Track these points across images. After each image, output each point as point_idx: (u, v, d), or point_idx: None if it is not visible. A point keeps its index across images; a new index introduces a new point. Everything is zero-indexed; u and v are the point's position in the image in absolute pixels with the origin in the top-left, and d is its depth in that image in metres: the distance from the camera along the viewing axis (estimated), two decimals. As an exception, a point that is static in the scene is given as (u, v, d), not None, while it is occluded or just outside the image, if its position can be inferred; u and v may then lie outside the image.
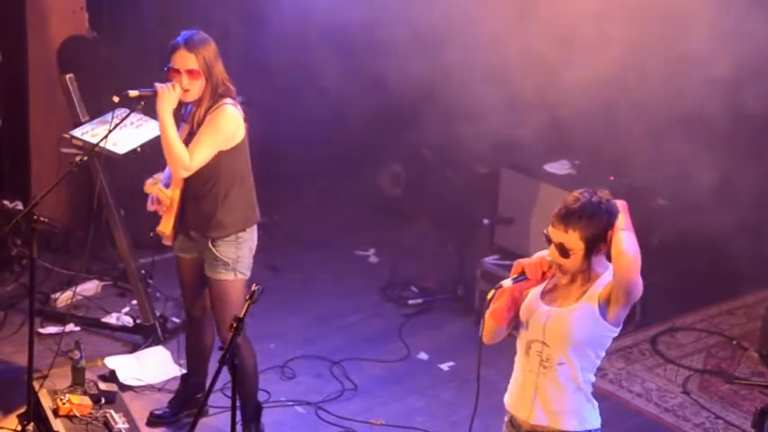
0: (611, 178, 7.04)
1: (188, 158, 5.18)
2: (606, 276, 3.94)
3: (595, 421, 4.06)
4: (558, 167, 7.30)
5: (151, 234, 5.52)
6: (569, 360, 3.95)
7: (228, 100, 5.26)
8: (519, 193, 7.30)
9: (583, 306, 3.93)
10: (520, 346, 4.09)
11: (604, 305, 3.91)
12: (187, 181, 5.29)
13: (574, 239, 3.88)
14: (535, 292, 4.07)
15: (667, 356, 6.67)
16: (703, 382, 6.42)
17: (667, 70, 6.72)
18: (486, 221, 7.40)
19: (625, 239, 3.84)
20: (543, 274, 3.97)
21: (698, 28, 6.41)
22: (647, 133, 6.92)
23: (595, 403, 4.06)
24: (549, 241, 3.95)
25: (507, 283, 3.97)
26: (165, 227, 5.34)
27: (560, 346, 3.95)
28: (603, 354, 4.03)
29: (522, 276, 3.96)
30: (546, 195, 7.04)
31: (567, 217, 3.90)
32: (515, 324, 4.10)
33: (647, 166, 6.91)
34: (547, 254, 3.99)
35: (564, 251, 3.90)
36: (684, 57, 6.56)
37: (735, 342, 6.84)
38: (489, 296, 3.98)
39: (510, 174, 7.41)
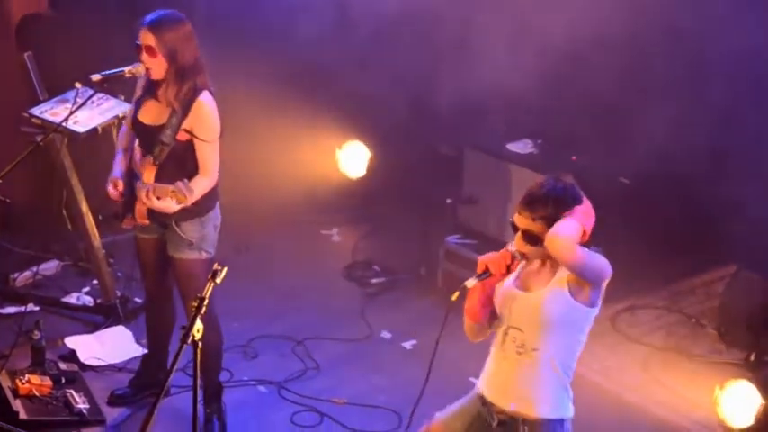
0: (573, 158, 7.07)
1: (212, 177, 5.20)
2: None
3: (568, 410, 4.08)
4: (521, 147, 7.32)
5: (123, 225, 5.46)
6: (544, 344, 3.97)
7: (205, 94, 5.21)
8: (482, 173, 7.31)
9: (553, 288, 3.95)
10: (497, 335, 4.10)
11: (575, 287, 3.93)
12: (162, 167, 5.23)
13: (540, 227, 3.89)
14: (508, 280, 4.08)
15: (628, 334, 6.72)
16: (663, 359, 6.47)
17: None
18: (449, 201, 7.41)
19: (559, 224, 3.84)
20: (508, 267, 3.97)
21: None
22: (606, 110, 6.96)
23: (571, 393, 4.07)
24: (516, 230, 3.95)
25: (471, 282, 3.97)
26: (143, 217, 5.28)
27: (534, 330, 3.97)
28: (583, 338, 4.04)
29: (486, 273, 3.97)
30: (509, 175, 7.05)
31: (533, 204, 3.91)
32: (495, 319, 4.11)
33: (609, 144, 6.93)
34: (510, 245, 3.99)
35: (531, 238, 3.91)
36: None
37: (693, 320, 6.90)
38: (454, 298, 3.97)
39: (473, 154, 7.42)
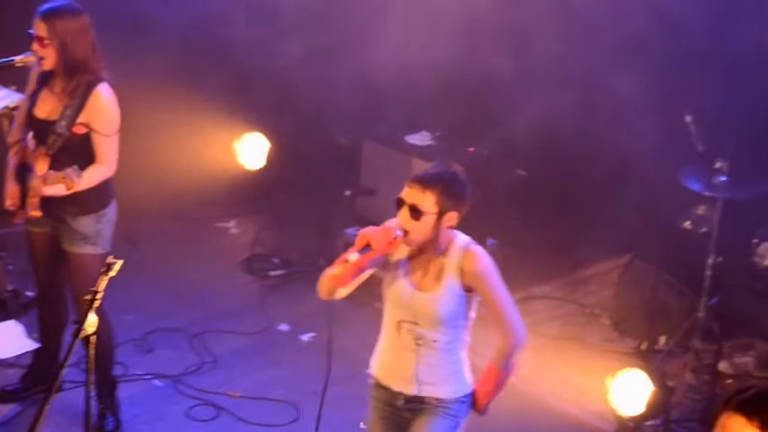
0: (471, 150, 7.13)
1: (109, 166, 5.15)
2: (460, 251, 3.99)
3: (468, 385, 4.16)
4: (419, 139, 7.36)
5: (15, 221, 5.34)
6: (444, 335, 4.04)
7: (103, 86, 5.13)
8: (381, 165, 7.33)
9: (447, 289, 4.00)
10: (389, 322, 4.13)
11: (468, 284, 4.01)
12: (55, 158, 5.13)
13: (429, 202, 3.93)
14: (398, 269, 4.09)
15: (525, 323, 6.78)
16: (558, 348, 6.56)
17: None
18: (347, 193, 7.41)
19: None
20: (389, 243, 3.99)
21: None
22: (504, 103, 7.03)
23: (468, 364, 4.14)
24: (401, 204, 3.97)
25: (354, 257, 3.97)
26: (34, 209, 5.18)
27: (432, 327, 4.03)
28: (474, 315, 4.12)
29: (367, 248, 3.98)
30: (407, 167, 7.08)
31: (426, 178, 3.95)
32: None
33: (507, 136, 7.00)
34: (391, 222, 4.00)
35: (416, 213, 3.94)
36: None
37: (588, 310, 7.02)
38: (337, 272, 3.96)
39: (371, 145, 7.44)
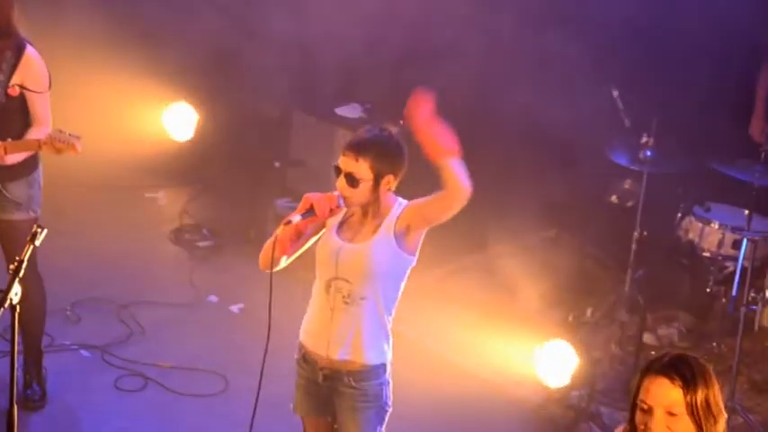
0: (401, 122, 7.12)
1: (47, 127, 5.10)
2: (397, 209, 4.02)
3: (389, 353, 4.16)
4: (349, 111, 7.36)
5: None
6: (372, 294, 4.04)
7: (30, 47, 5.10)
8: (310, 136, 7.31)
9: (379, 239, 4.01)
10: (319, 283, 4.13)
11: (401, 235, 4.00)
12: None
13: (363, 169, 3.95)
14: (330, 230, 4.11)
15: (451, 295, 6.84)
16: (486, 320, 6.60)
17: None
18: (277, 164, 7.39)
19: (454, 168, 3.86)
20: (331, 210, 4.01)
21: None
22: (436, 75, 7.03)
23: (391, 337, 4.15)
24: (339, 172, 3.99)
25: (296, 219, 3.99)
26: None
27: (361, 281, 4.02)
28: (403, 284, 4.13)
29: (310, 212, 3.99)
30: (337, 139, 7.08)
31: (358, 146, 3.96)
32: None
33: (438, 107, 7.01)
34: (335, 191, 4.03)
35: (353, 180, 3.96)
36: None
37: (516, 282, 7.05)
38: (278, 231, 3.98)
39: (301, 117, 7.42)
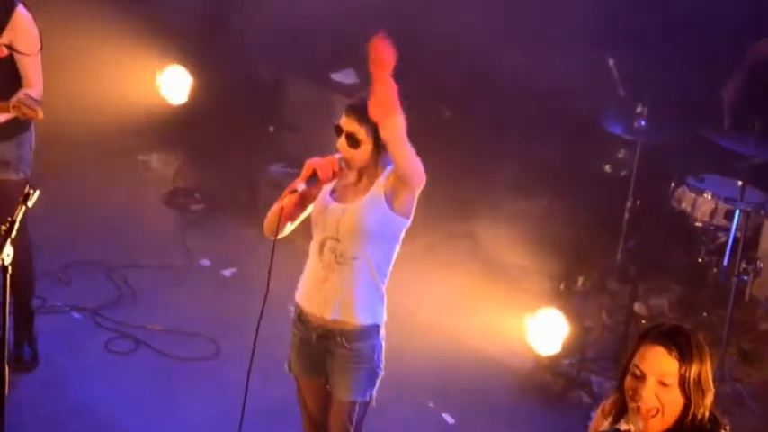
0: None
1: (38, 89, 5.04)
2: (389, 168, 4.02)
3: (383, 315, 4.17)
4: (344, 76, 7.33)
5: None
6: (363, 254, 4.05)
7: (21, 7, 5.05)
8: (304, 102, 7.29)
9: (369, 199, 4.03)
10: (314, 246, 4.15)
11: (390, 195, 4.02)
12: None
13: (365, 132, 3.96)
14: (324, 191, 4.12)
15: (444, 263, 6.84)
16: (478, 288, 6.61)
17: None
18: (271, 128, 7.37)
19: (402, 125, 3.86)
20: (333, 173, 4.02)
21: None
22: (431, 42, 7.01)
23: (385, 299, 4.16)
24: (340, 132, 3.99)
25: (301, 187, 4.03)
26: None
27: (353, 239, 4.03)
28: (397, 247, 4.13)
29: (314, 178, 4.02)
30: (332, 104, 7.06)
31: (362, 109, 3.95)
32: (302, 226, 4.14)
33: (430, 74, 7.00)
34: (336, 155, 4.03)
35: (353, 141, 3.98)
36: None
37: (509, 249, 7.07)
38: (285, 201, 3.99)
39: (295, 81, 7.39)
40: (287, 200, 4.01)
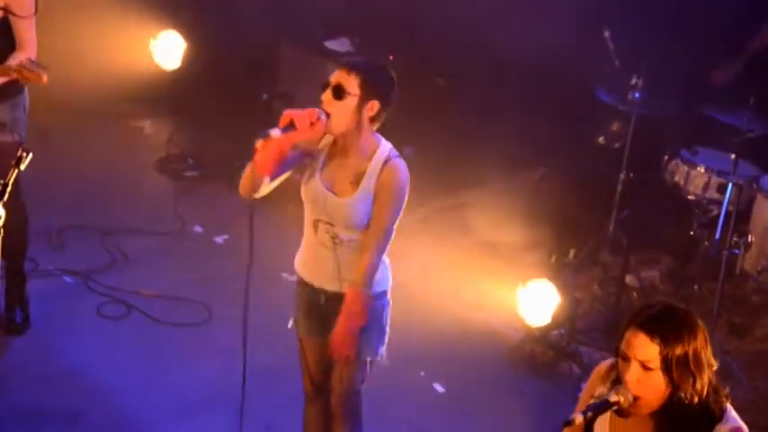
0: (390, 57, 7.09)
1: (32, 51, 5.05)
2: (377, 164, 3.99)
3: (388, 280, 4.19)
4: (338, 45, 7.30)
5: None
6: (358, 236, 4.05)
7: None
8: (298, 69, 7.26)
9: (360, 196, 4.00)
10: (307, 219, 4.14)
11: (377, 194, 4.01)
12: None
13: (353, 84, 3.92)
14: (314, 173, 4.07)
15: (437, 235, 6.85)
16: (471, 259, 6.63)
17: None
18: (264, 96, 7.34)
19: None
20: (312, 124, 3.95)
21: None
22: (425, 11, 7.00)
23: (387, 263, 4.15)
24: (326, 86, 3.96)
25: (276, 132, 3.88)
26: None
27: (348, 229, 4.04)
28: (396, 222, 4.11)
29: (290, 127, 3.93)
30: (325, 72, 6.99)
31: (354, 62, 3.98)
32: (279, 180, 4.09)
33: (426, 44, 6.99)
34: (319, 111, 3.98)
35: (340, 92, 3.92)
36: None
37: (502, 221, 7.08)
38: (258, 145, 3.87)
39: (289, 49, 7.36)
40: (260, 145, 3.88)
